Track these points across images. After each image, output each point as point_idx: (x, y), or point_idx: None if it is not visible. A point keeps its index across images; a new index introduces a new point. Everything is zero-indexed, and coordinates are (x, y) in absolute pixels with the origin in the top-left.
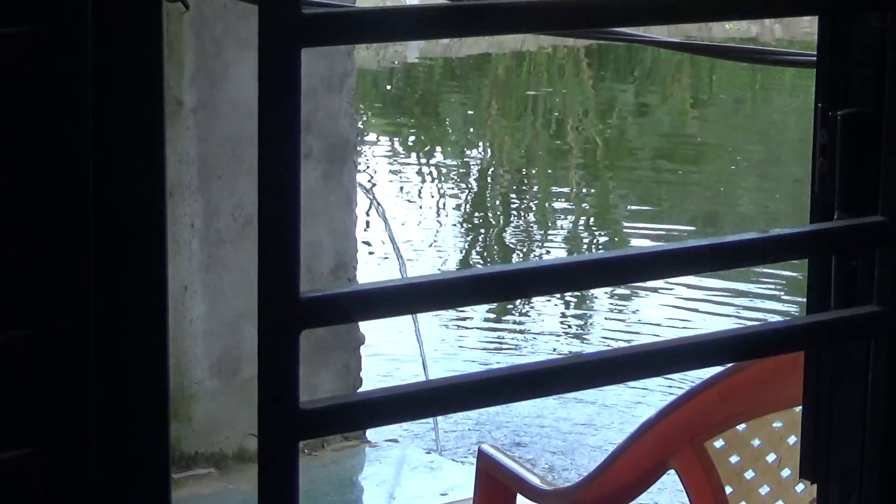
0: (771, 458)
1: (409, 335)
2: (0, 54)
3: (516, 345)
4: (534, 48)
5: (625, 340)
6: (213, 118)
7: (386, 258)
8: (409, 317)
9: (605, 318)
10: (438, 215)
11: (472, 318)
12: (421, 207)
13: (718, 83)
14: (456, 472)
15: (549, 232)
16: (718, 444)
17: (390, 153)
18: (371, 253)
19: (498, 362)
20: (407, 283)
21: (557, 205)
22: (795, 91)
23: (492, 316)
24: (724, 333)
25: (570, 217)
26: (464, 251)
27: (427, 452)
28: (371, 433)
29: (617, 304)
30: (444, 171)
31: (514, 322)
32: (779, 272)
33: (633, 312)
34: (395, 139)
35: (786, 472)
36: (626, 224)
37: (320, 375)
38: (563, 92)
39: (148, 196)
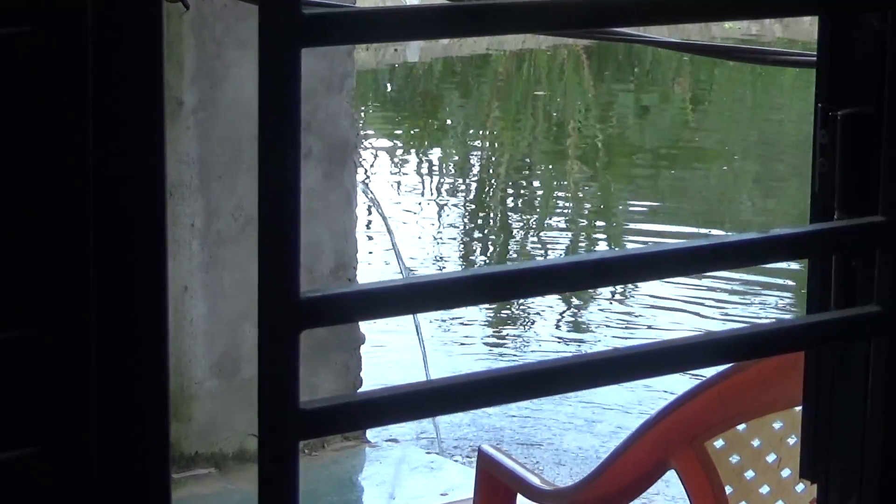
0: (771, 458)
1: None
2: (0, 54)
3: (516, 343)
4: (534, 48)
5: (625, 340)
6: (213, 118)
7: (386, 260)
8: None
9: (605, 318)
10: (438, 215)
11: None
12: (420, 208)
13: (718, 83)
14: (456, 472)
15: (549, 231)
16: (718, 444)
17: (390, 153)
18: (369, 237)
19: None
20: (407, 283)
21: (557, 204)
22: (795, 91)
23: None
24: (724, 333)
25: (569, 217)
26: (464, 251)
27: (427, 452)
28: (371, 433)
29: (617, 304)
30: (444, 170)
31: (514, 322)
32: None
33: (633, 313)
34: (395, 139)
35: (786, 472)
36: (625, 224)
37: (320, 375)
38: (564, 92)
39: (148, 196)
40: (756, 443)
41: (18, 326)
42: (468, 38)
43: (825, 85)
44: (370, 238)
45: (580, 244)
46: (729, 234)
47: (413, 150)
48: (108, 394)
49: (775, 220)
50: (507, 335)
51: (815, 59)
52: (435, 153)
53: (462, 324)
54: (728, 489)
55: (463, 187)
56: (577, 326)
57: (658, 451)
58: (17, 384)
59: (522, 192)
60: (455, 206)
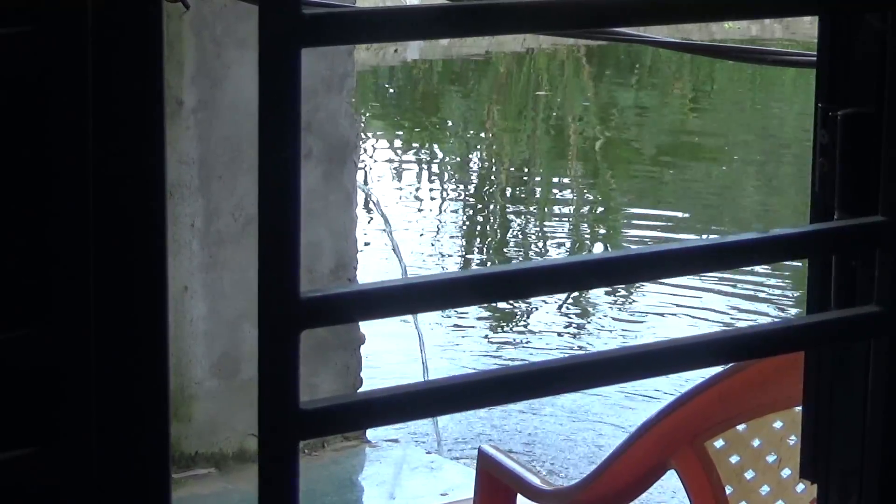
0: (771, 458)
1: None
2: (0, 54)
3: (516, 341)
4: (534, 48)
5: (625, 339)
6: (213, 118)
7: (386, 258)
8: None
9: (605, 316)
10: (438, 215)
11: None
12: (421, 208)
13: (718, 83)
14: (456, 472)
15: (550, 231)
16: (718, 444)
17: (390, 153)
18: (367, 244)
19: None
20: (407, 283)
21: (557, 204)
22: (795, 91)
23: (491, 315)
24: (724, 333)
25: (570, 216)
26: (464, 251)
27: (427, 452)
28: (371, 433)
29: (616, 303)
30: (444, 170)
31: (514, 320)
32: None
33: (634, 311)
34: (395, 139)
35: (786, 472)
36: (625, 223)
37: (320, 375)
38: (564, 92)
39: (148, 196)
40: (756, 443)
41: (18, 326)
42: (468, 38)
43: (825, 85)
44: (367, 239)
45: (580, 244)
46: (729, 233)
47: (413, 150)
48: (108, 394)
49: (775, 219)
50: (507, 333)
51: (815, 59)
52: (435, 153)
53: (460, 320)
54: (728, 489)
55: (463, 187)
56: (577, 324)
57: (658, 451)
58: (17, 384)
59: (522, 191)
60: (455, 202)
